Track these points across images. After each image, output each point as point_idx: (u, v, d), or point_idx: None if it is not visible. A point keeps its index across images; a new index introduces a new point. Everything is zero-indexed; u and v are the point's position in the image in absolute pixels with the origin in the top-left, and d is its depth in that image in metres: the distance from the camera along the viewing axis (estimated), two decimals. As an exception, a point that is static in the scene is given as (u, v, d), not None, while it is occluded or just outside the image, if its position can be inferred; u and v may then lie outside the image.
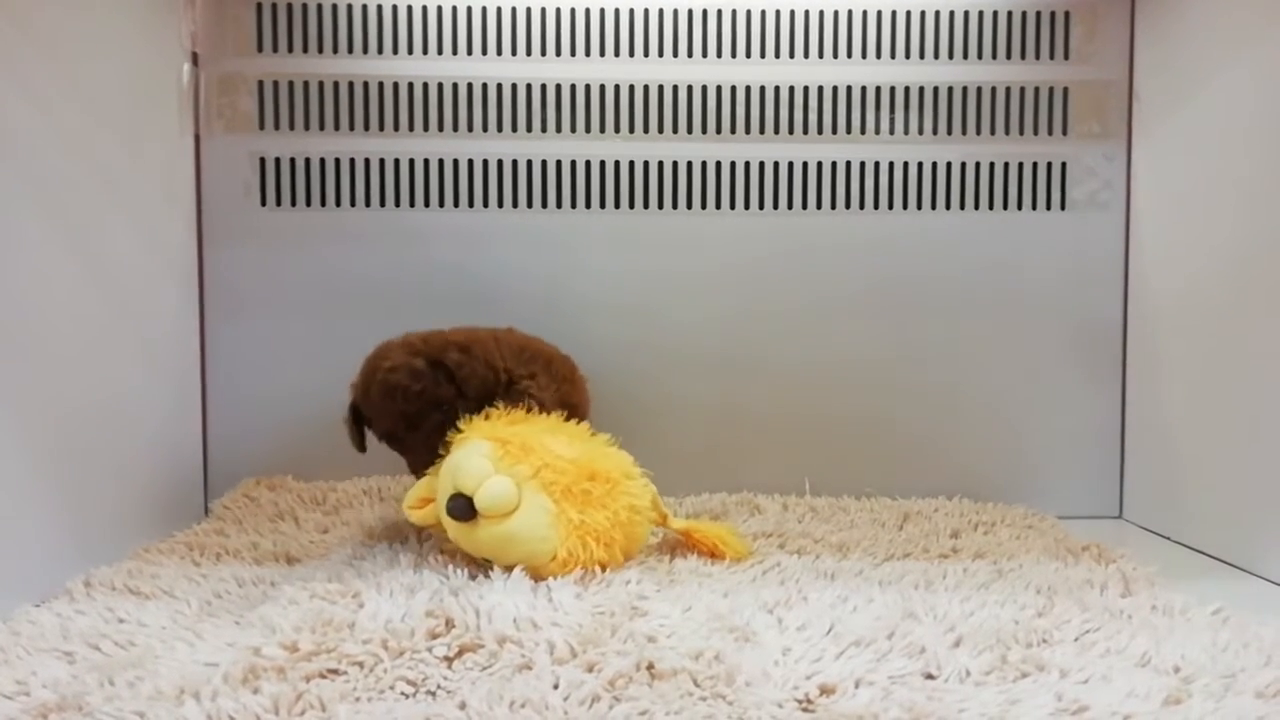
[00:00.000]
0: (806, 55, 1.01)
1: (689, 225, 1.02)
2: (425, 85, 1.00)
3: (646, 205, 1.02)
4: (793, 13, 1.01)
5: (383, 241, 1.01)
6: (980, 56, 1.01)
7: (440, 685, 0.53)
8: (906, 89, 1.01)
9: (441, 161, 1.01)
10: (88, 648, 0.59)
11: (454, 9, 0.99)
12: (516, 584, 0.65)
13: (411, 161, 1.01)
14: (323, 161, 1.00)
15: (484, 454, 0.71)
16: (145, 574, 0.74)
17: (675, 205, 1.02)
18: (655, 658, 0.54)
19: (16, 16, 0.70)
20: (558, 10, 1.00)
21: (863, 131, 1.02)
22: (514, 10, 1.00)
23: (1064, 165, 1.02)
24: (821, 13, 1.01)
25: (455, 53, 1.00)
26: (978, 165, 1.02)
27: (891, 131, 1.02)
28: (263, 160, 1.00)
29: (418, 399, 0.76)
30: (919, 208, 1.02)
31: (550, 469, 0.71)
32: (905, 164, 1.02)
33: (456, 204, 1.01)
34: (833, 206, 1.02)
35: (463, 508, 0.68)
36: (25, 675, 0.54)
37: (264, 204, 1.00)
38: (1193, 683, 0.54)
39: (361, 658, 0.55)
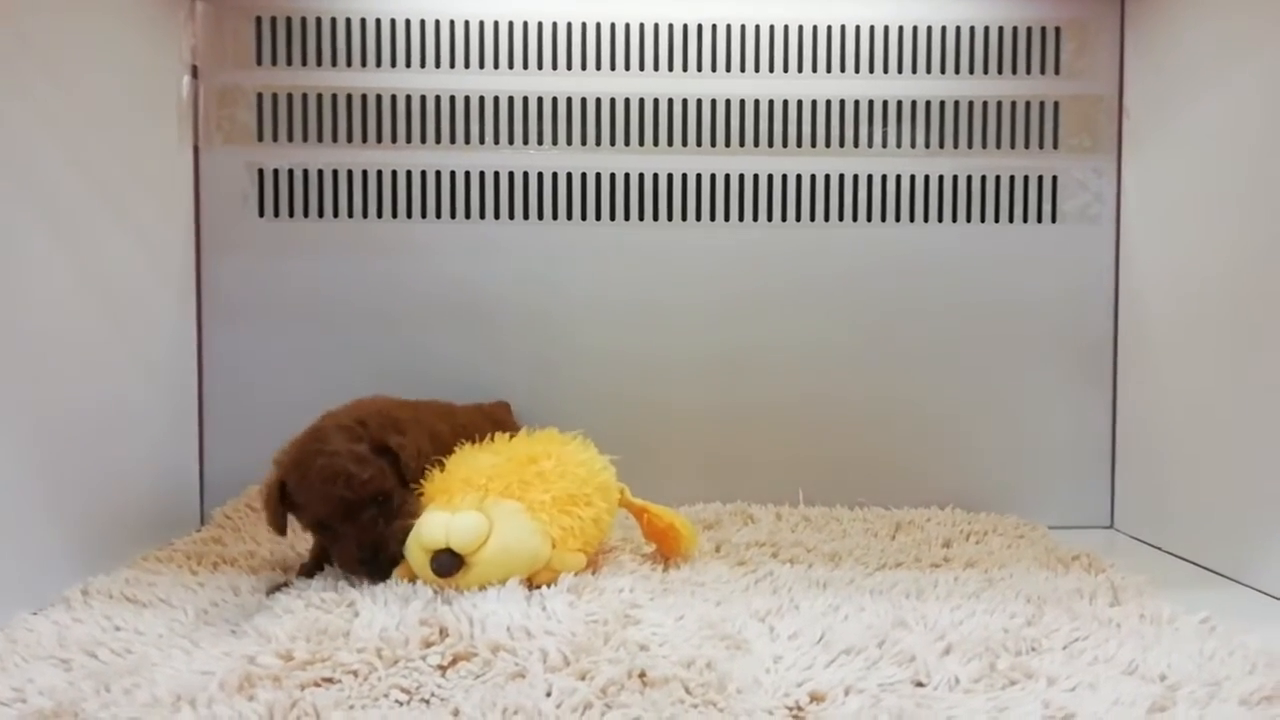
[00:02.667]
0: (800, 69, 1.02)
1: (683, 238, 1.03)
2: (422, 98, 1.01)
3: (642, 218, 1.02)
4: (786, 28, 1.02)
5: (378, 252, 1.01)
6: (972, 71, 1.02)
7: (434, 693, 0.54)
8: (899, 103, 1.02)
9: (438, 173, 1.01)
10: (85, 655, 0.59)
11: (450, 24, 1.00)
12: (510, 593, 0.66)
13: (408, 173, 1.01)
14: (320, 173, 1.01)
15: (432, 510, 0.70)
16: (143, 582, 0.74)
17: (670, 218, 1.03)
18: (647, 665, 0.55)
19: (17, 29, 0.71)
20: (553, 25, 1.01)
21: (855, 145, 1.03)
22: (510, 25, 1.01)
23: (1055, 179, 1.03)
24: (815, 28, 1.02)
25: (452, 66, 1.01)
26: (969, 179, 1.03)
27: (884, 145, 1.03)
28: (261, 171, 1.01)
29: (363, 487, 0.70)
30: (911, 220, 1.03)
31: (495, 481, 0.71)
32: (898, 177, 1.03)
33: (453, 215, 1.02)
34: (825, 219, 1.03)
35: (447, 561, 0.66)
36: (22, 682, 0.54)
37: (262, 215, 1.01)
38: (1178, 690, 0.54)
39: (356, 666, 0.55)
